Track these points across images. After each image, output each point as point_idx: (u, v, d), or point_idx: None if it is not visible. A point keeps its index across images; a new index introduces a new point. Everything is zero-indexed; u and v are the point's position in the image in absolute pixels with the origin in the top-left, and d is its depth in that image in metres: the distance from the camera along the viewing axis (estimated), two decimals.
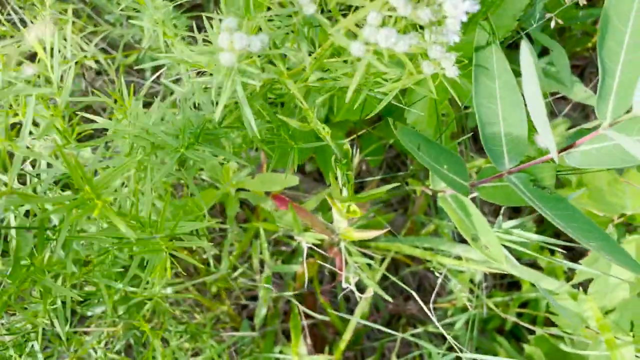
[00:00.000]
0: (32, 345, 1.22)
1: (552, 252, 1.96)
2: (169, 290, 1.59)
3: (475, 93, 1.01)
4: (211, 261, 1.71)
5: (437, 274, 2.01)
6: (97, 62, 1.74)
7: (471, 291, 1.93)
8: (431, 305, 1.53)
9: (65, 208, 0.80)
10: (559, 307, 1.61)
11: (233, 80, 0.77)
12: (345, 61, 0.85)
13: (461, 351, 1.41)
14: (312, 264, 1.78)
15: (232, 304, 2.05)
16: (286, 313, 2.02)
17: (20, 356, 1.24)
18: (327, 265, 1.59)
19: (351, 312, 2.06)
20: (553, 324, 1.69)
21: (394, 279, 1.61)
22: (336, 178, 1.20)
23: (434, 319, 1.40)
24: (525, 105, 0.92)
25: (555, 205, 1.03)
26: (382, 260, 1.85)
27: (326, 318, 1.69)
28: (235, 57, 0.73)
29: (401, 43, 0.69)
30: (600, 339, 1.56)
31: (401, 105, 1.10)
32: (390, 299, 1.49)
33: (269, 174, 1.53)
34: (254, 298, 2.12)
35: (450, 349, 1.55)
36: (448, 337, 1.39)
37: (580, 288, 1.61)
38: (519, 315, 1.91)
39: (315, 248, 1.58)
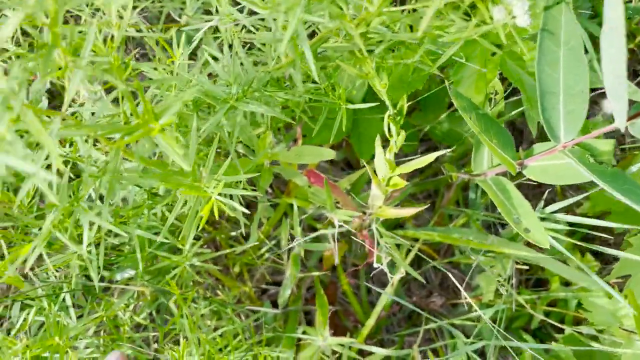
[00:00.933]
0: (64, 299, 1.20)
1: (582, 255, 1.91)
2: (195, 261, 1.57)
3: (539, 59, 0.99)
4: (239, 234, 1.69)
5: (462, 267, 1.97)
6: (138, 31, 1.73)
7: (497, 288, 1.89)
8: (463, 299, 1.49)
9: (120, 131, 0.78)
10: (592, 305, 1.57)
11: (296, 16, 0.76)
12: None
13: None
14: (341, 247, 1.75)
15: (253, 287, 2.02)
16: (307, 300, 1.99)
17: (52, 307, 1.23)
18: (357, 241, 1.55)
19: (371, 304, 2.03)
20: (582, 324, 1.65)
21: (415, 274, 1.57)
22: (383, 144, 1.18)
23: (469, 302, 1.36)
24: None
25: (614, 180, 1.00)
26: (408, 251, 1.81)
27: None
28: None
29: None
30: (634, 338, 1.51)
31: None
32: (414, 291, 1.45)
33: (305, 147, 1.51)
34: (275, 283, 2.09)
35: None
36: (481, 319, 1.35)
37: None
38: (546, 314, 1.86)
39: (345, 225, 1.55)
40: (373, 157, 1.27)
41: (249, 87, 1.15)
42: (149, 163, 1.01)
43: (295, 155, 1.48)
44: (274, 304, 1.89)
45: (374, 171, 1.31)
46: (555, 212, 1.34)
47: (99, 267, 1.08)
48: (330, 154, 1.48)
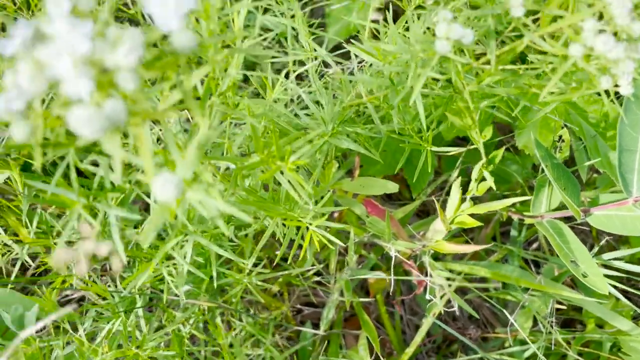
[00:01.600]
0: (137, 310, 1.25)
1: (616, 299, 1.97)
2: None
3: (622, 119, 1.06)
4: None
5: (495, 303, 2.02)
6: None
7: (533, 325, 1.93)
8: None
9: (255, 166, 0.84)
10: (632, 349, 1.62)
11: (429, 68, 0.82)
12: (525, 64, 0.90)
13: None
14: (381, 280, 1.81)
15: (290, 307, 2.06)
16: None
17: (127, 315, 1.27)
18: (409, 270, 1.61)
19: (403, 332, 2.07)
20: None
21: (469, 309, 1.62)
22: (464, 185, 1.24)
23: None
24: None
25: None
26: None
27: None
28: (449, 46, 0.78)
29: (616, 50, 0.74)
30: None
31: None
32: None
33: (370, 178, 1.56)
34: (309, 304, 2.14)
35: None
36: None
37: None
38: (579, 354, 1.91)
39: (399, 256, 1.61)
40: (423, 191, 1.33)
41: (340, 124, 1.21)
42: (249, 192, 1.07)
43: (360, 186, 1.54)
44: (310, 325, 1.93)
45: (441, 207, 1.37)
46: (611, 259, 1.40)
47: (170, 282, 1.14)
48: (394, 188, 1.53)
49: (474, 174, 1.13)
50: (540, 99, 0.81)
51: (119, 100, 0.51)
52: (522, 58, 1.01)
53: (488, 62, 0.90)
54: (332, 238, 1.03)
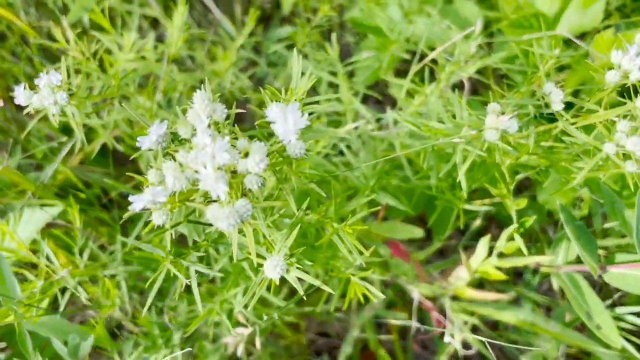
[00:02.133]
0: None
1: None
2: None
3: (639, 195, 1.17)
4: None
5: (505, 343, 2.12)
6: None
7: None
8: None
9: (309, 226, 0.95)
10: None
11: (479, 149, 0.94)
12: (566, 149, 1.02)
13: None
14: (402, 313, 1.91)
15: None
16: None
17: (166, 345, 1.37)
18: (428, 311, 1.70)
19: None
20: None
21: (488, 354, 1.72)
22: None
23: None
24: None
25: None
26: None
27: None
28: (498, 135, 0.90)
29: None
30: None
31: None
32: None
33: (397, 223, 1.67)
34: (322, 334, 2.23)
35: None
36: None
37: None
38: None
39: (423, 299, 1.71)
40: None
41: (379, 180, 1.32)
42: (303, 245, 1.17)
43: (387, 230, 1.65)
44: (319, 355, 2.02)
45: (466, 257, 1.48)
46: (625, 314, 1.51)
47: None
48: (419, 234, 1.64)
49: (504, 235, 1.24)
50: (573, 184, 0.93)
51: (246, 200, 0.62)
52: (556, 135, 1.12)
53: (525, 137, 1.02)
54: (375, 290, 1.13)
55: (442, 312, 1.84)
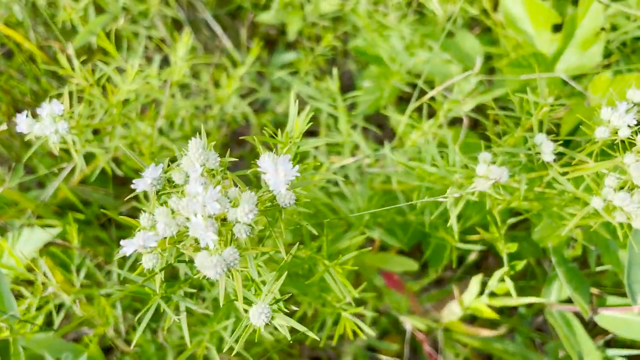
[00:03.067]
0: None
1: None
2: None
3: (631, 239, 1.18)
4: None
5: None
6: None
7: None
8: None
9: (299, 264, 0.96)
10: None
11: (467, 200, 0.95)
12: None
13: None
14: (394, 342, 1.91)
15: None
16: None
17: None
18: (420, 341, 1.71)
19: None
20: None
21: None
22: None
23: None
24: None
25: None
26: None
27: None
28: (489, 185, 0.91)
29: (631, 206, 0.87)
30: None
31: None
32: None
33: (391, 255, 1.68)
34: (313, 358, 2.22)
35: None
36: None
37: None
38: None
39: (415, 330, 1.71)
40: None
41: (375, 215, 1.33)
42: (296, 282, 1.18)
43: (382, 261, 1.65)
44: None
45: (459, 292, 1.49)
46: (616, 356, 1.51)
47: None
48: (412, 266, 1.65)
49: (496, 276, 1.25)
50: (564, 231, 0.94)
51: (234, 249, 0.64)
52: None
53: (517, 182, 1.04)
54: (366, 328, 1.14)
55: (435, 343, 1.85)
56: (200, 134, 0.70)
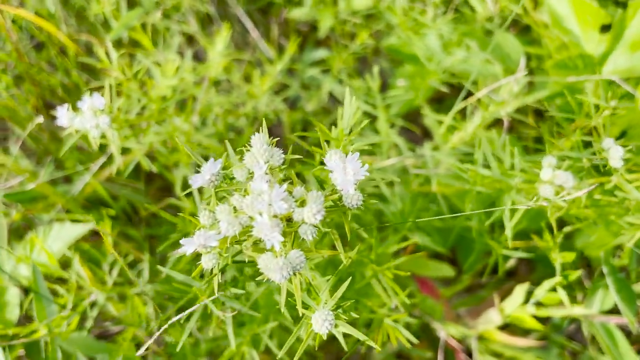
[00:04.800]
0: None
1: None
2: None
3: None
4: None
5: None
6: None
7: None
8: None
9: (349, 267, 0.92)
10: None
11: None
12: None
13: None
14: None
15: None
16: None
17: None
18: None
19: None
20: None
21: None
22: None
23: None
24: None
25: None
26: None
27: None
28: (552, 190, 0.86)
29: None
30: None
31: None
32: None
33: (428, 260, 1.64)
34: None
35: None
36: None
37: None
38: None
39: (448, 338, 1.66)
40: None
41: (415, 220, 1.29)
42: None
43: (418, 266, 1.61)
44: None
45: (499, 300, 1.44)
46: None
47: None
48: (449, 272, 1.61)
49: (546, 285, 1.20)
50: (625, 241, 0.89)
51: (299, 251, 0.60)
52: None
53: (577, 189, 0.99)
54: (410, 336, 1.10)
55: (468, 352, 1.79)
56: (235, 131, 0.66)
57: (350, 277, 0.69)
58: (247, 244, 0.62)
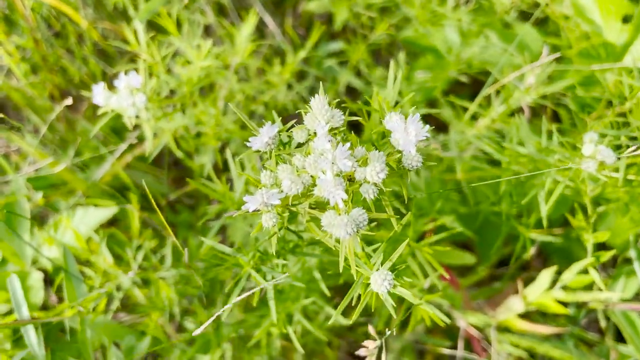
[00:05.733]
0: None
1: None
2: None
3: None
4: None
5: None
6: None
7: None
8: None
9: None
10: None
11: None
12: None
13: None
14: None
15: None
16: None
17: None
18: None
19: None
20: None
21: None
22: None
23: None
24: None
25: None
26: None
27: None
28: (595, 165, 0.87)
29: None
30: None
31: None
32: None
33: (450, 249, 1.64)
34: (354, 356, 2.18)
35: None
36: None
37: None
38: None
39: (470, 326, 1.67)
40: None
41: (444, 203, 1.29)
42: None
43: (441, 254, 1.61)
44: None
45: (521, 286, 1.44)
46: None
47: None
48: (470, 260, 1.61)
49: (575, 268, 1.21)
50: None
51: (361, 209, 0.60)
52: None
53: (614, 169, 0.99)
54: (442, 316, 1.10)
55: (486, 341, 1.80)
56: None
57: (401, 248, 0.70)
58: (306, 204, 0.63)
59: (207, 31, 2.33)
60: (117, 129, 2.09)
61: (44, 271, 1.56)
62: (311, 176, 0.62)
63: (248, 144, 0.66)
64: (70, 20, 2.03)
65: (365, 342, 0.64)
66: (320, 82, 0.78)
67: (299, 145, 0.69)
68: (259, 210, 0.64)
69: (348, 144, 0.60)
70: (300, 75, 2.28)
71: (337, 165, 0.59)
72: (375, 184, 0.61)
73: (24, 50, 2.06)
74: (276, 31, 2.28)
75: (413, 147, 0.62)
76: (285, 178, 0.61)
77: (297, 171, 0.62)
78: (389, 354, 1.90)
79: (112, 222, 1.86)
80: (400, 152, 0.64)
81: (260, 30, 2.38)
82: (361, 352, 0.64)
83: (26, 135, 1.94)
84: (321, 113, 0.64)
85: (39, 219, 1.92)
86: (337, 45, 2.39)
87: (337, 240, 0.65)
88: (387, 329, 1.65)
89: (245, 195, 0.61)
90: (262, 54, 2.25)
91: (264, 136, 0.65)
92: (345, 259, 0.67)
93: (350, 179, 0.62)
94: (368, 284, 0.66)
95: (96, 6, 2.17)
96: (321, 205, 0.63)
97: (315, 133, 0.62)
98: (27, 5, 1.87)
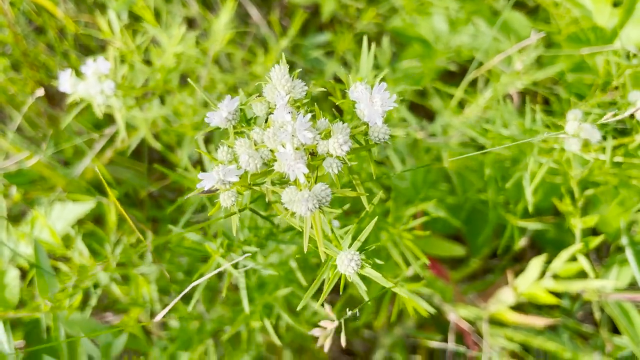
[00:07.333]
0: None
1: None
2: None
3: None
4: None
5: None
6: None
7: None
8: None
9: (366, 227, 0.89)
10: None
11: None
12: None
13: None
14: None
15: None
16: None
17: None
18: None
19: None
20: None
21: None
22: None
23: None
24: None
25: None
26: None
27: None
28: (579, 144, 0.83)
29: None
30: None
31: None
32: None
33: (437, 240, 1.60)
34: (346, 352, 2.14)
35: None
36: None
37: None
38: None
39: (461, 319, 1.63)
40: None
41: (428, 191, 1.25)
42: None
43: (428, 246, 1.57)
44: None
45: (512, 278, 1.40)
46: None
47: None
48: (460, 252, 1.57)
49: (565, 254, 1.17)
50: None
51: (325, 184, 0.56)
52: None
53: (600, 151, 0.95)
54: (426, 306, 1.05)
55: (478, 335, 1.75)
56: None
57: (370, 227, 0.66)
58: (269, 180, 0.58)
59: (192, 24, 2.29)
60: (99, 124, 2.05)
61: (21, 269, 1.51)
62: (270, 150, 0.58)
63: (206, 119, 0.62)
64: (51, 15, 1.99)
65: (322, 322, 0.60)
66: (306, 73, 0.74)
67: (266, 121, 0.65)
68: (217, 190, 0.60)
69: (309, 115, 0.56)
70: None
71: (297, 138, 0.55)
72: (340, 158, 0.57)
73: (3, 46, 2.01)
74: (261, 22, 2.24)
75: (379, 118, 0.58)
76: (242, 153, 0.57)
77: (256, 145, 0.58)
78: (379, 350, 1.86)
79: (96, 220, 1.82)
80: (366, 124, 0.60)
81: (246, 23, 2.34)
82: (314, 332, 0.60)
83: (8, 133, 1.90)
84: (281, 83, 0.60)
85: (20, 216, 1.88)
86: (324, 37, 2.34)
87: (302, 220, 0.61)
88: (374, 321, 1.60)
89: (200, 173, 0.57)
90: (247, 47, 2.21)
91: (223, 111, 0.61)
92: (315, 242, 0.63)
93: (313, 153, 0.58)
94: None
95: (76, 0, 2.13)
96: (286, 183, 0.59)
97: (276, 106, 0.58)
98: None
